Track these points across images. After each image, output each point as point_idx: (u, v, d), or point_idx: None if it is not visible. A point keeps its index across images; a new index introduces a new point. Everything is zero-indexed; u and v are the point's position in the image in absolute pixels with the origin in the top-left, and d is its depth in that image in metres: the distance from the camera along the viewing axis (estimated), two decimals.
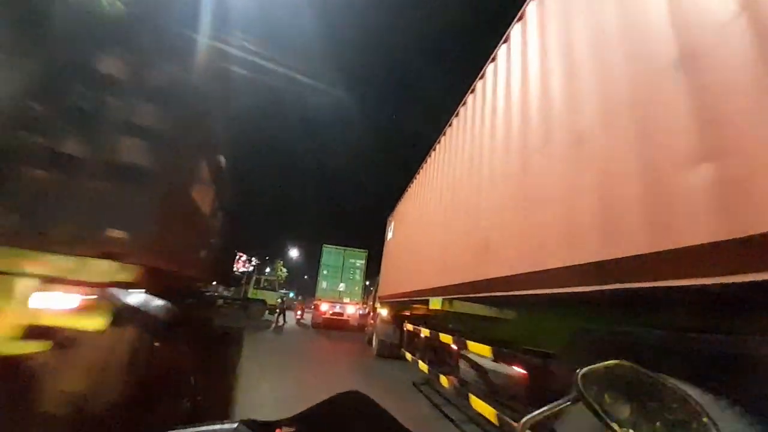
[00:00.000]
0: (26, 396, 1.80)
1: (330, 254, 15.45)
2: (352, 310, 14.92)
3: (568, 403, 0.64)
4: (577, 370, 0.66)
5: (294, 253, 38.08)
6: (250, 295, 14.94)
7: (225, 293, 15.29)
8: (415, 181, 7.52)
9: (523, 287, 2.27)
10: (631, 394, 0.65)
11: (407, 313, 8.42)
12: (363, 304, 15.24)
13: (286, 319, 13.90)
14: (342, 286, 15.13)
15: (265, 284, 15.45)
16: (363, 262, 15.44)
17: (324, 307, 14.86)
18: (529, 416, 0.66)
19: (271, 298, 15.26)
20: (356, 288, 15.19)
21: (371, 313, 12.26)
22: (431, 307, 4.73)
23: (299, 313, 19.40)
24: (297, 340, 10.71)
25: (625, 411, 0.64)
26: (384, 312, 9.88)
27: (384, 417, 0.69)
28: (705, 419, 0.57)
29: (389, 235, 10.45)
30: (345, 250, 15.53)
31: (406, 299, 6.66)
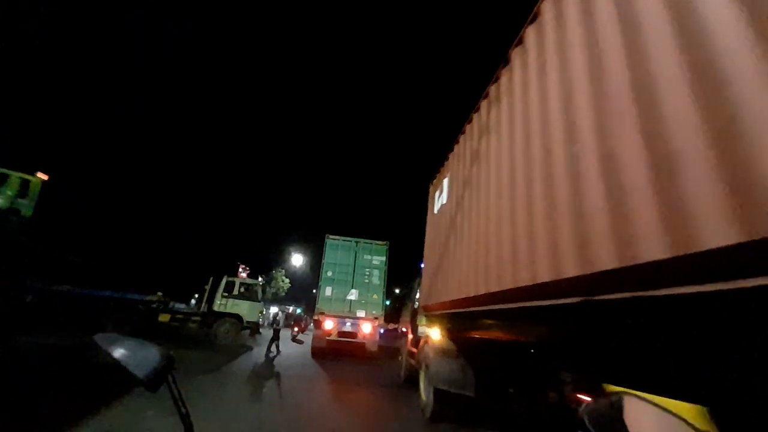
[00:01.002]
0: None
1: (336, 249, 10.97)
2: (368, 328, 10.33)
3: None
4: (582, 407, 0.79)
5: (300, 260, 32.11)
6: (217, 307, 10.31)
7: (178, 305, 10.66)
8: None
9: None
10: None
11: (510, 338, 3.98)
12: (393, 321, 10.68)
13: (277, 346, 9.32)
14: (354, 294, 10.58)
15: (242, 290, 10.82)
16: (383, 259, 10.93)
17: (328, 324, 10.29)
18: None
19: (252, 311, 10.63)
20: (374, 296, 10.62)
21: (408, 335, 7.75)
22: None
23: (296, 329, 16.91)
24: (279, 391, 6.11)
25: None
26: (434, 334, 5.47)
27: None
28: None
29: (439, 203, 6.18)
30: (357, 242, 11.06)
31: (509, 307, 2.37)
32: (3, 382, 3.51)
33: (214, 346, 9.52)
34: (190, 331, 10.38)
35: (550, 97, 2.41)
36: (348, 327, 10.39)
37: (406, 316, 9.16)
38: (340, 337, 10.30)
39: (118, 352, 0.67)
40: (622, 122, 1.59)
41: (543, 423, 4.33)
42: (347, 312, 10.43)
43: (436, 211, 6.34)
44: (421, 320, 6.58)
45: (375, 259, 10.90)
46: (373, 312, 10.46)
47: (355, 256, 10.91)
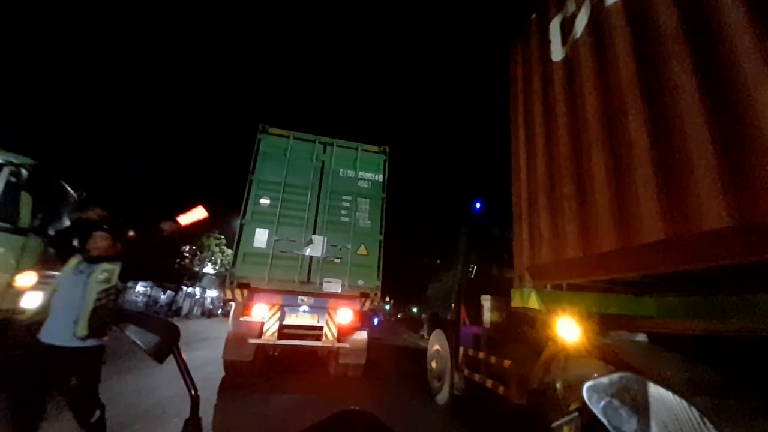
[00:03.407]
0: None
1: (281, 156, 5.27)
2: (347, 316, 4.87)
3: (576, 414, 0.70)
4: (583, 384, 0.67)
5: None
6: None
7: None
8: None
9: None
10: (637, 406, 0.62)
11: None
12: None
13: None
14: (317, 246, 5.01)
15: None
16: (379, 177, 5.57)
17: (258, 310, 4.58)
18: None
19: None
20: (361, 249, 5.19)
21: (461, 325, 2.73)
22: None
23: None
24: None
25: (632, 422, 0.61)
26: (570, 330, 1.73)
27: None
28: (709, 426, 0.60)
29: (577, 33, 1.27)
30: (327, 145, 5.53)
31: None
32: None
33: None
34: None
35: None
36: (303, 315, 4.79)
37: (454, 292, 4.22)
38: (283, 338, 4.63)
39: (126, 326, 0.71)
40: None
41: None
42: (303, 283, 4.81)
43: (559, 57, 2.29)
44: (526, 296, 1.80)
45: (363, 177, 5.48)
46: (359, 282, 5.02)
47: (322, 171, 5.36)
